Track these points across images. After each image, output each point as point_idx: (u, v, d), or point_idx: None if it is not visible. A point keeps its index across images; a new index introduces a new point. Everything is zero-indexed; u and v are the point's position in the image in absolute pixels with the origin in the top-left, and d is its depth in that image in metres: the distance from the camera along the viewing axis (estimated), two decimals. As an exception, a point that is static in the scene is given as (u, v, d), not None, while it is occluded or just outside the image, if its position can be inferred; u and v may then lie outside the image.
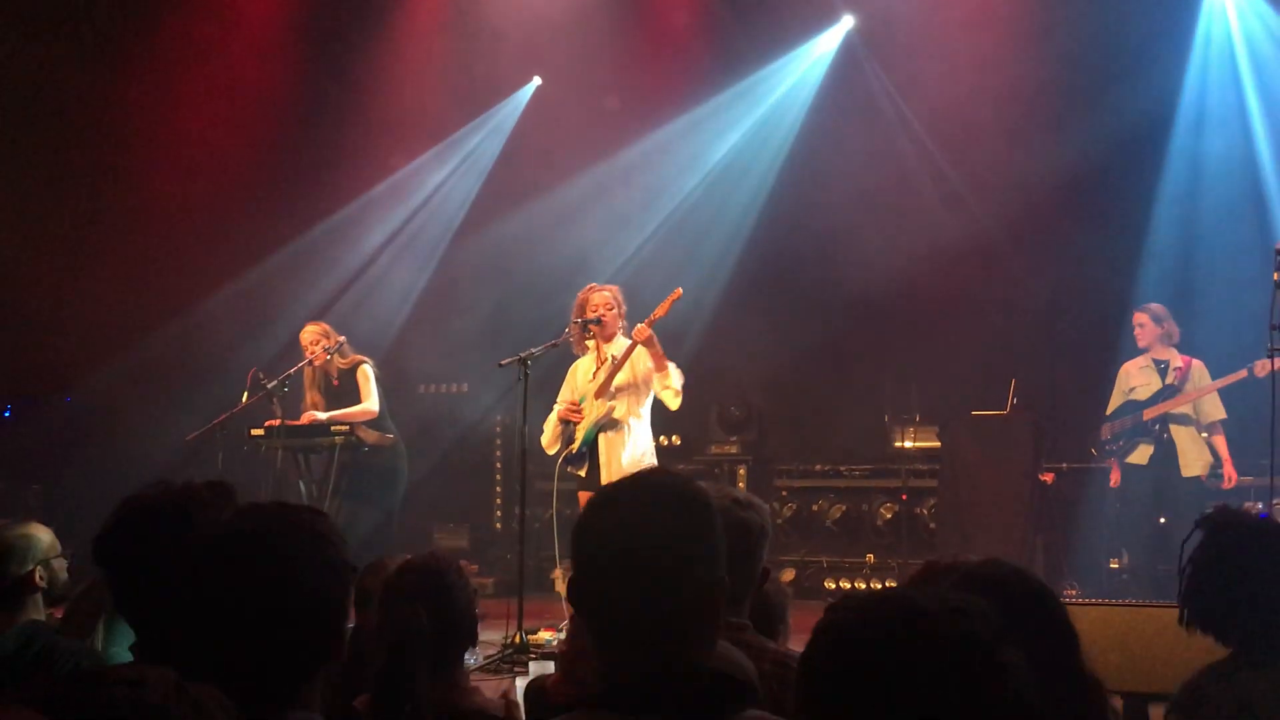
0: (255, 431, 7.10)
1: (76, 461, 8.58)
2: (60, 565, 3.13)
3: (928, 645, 1.21)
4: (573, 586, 1.61)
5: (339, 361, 7.23)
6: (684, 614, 1.57)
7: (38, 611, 3.09)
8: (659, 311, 6.01)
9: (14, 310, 9.19)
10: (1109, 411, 7.41)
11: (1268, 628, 2.33)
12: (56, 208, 9.33)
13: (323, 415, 7.15)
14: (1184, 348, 7.28)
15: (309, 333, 7.26)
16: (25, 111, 9.20)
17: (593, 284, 6.39)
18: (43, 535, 3.15)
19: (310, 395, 7.29)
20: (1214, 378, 7.11)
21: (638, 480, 1.68)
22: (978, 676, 1.21)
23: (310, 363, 7.22)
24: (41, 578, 3.08)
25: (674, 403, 6.08)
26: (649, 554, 1.56)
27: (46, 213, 9.29)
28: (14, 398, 9.59)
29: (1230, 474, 7.03)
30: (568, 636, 2.84)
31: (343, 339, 7.29)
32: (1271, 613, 2.34)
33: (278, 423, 7.05)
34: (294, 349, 8.33)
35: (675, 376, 6.02)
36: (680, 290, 6.13)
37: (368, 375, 7.20)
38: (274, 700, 1.66)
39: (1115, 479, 7.30)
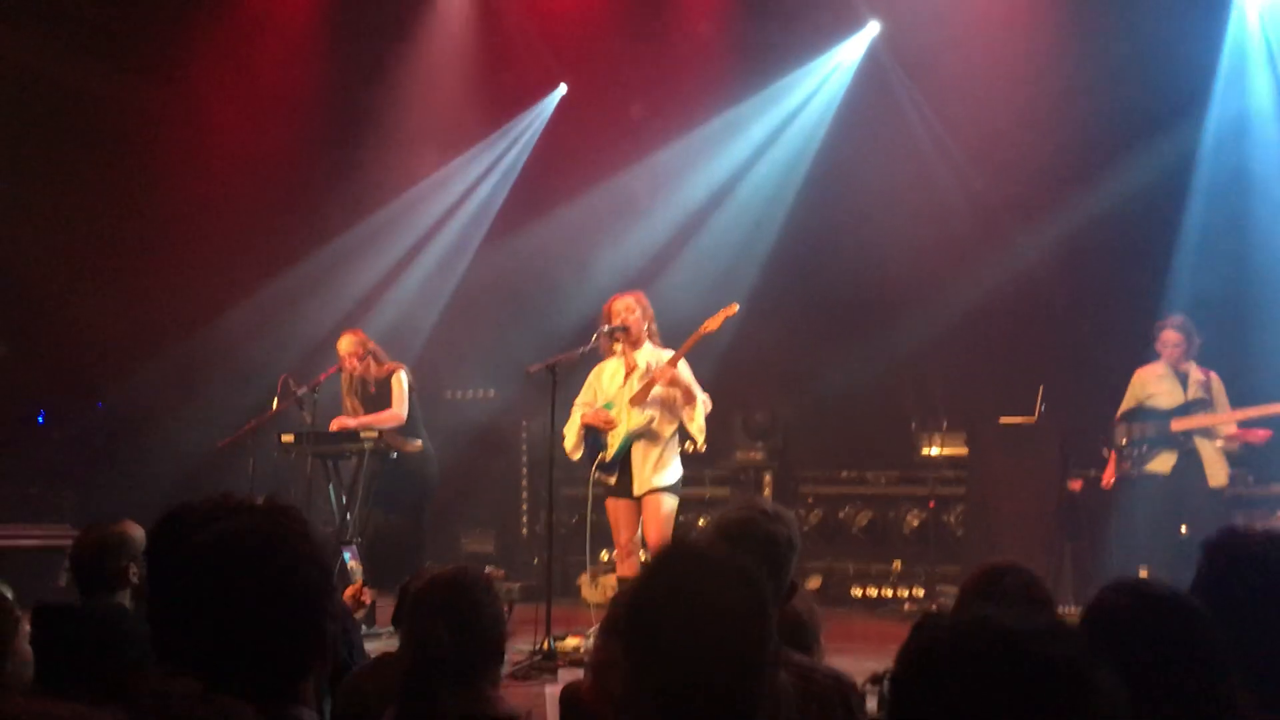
0: (286, 438, 7.15)
1: (109, 466, 8.67)
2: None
3: (1021, 668, 1.22)
4: (629, 668, 1.62)
5: (375, 369, 7.30)
6: (756, 690, 1.60)
7: (126, 602, 3.27)
8: (710, 325, 5.97)
9: (46, 316, 9.30)
10: (1122, 419, 7.40)
11: (1272, 663, 2.11)
12: (88, 215, 9.42)
13: (352, 421, 7.21)
14: (1204, 359, 7.27)
15: (346, 342, 7.33)
16: (58, 121, 9.30)
17: (617, 294, 6.37)
18: (136, 533, 3.33)
19: (349, 401, 7.37)
20: (1235, 397, 7.10)
21: (679, 570, 1.67)
22: (1071, 698, 1.22)
23: (341, 369, 7.29)
24: (134, 573, 3.27)
25: (699, 437, 6.01)
26: (721, 647, 1.58)
27: (78, 220, 9.39)
28: (47, 403, 9.70)
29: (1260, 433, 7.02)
30: (596, 645, 2.86)
31: (374, 348, 7.36)
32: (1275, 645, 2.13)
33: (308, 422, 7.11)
34: (323, 355, 8.40)
35: (700, 411, 5.96)
36: (736, 306, 6.08)
37: (401, 382, 7.26)
38: (277, 697, 1.70)
39: (1108, 480, 7.28)
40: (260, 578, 1.71)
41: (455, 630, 2.58)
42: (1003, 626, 1.27)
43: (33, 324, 9.28)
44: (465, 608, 2.65)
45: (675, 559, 1.70)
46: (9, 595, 2.99)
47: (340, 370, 7.34)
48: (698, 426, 5.96)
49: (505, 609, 2.89)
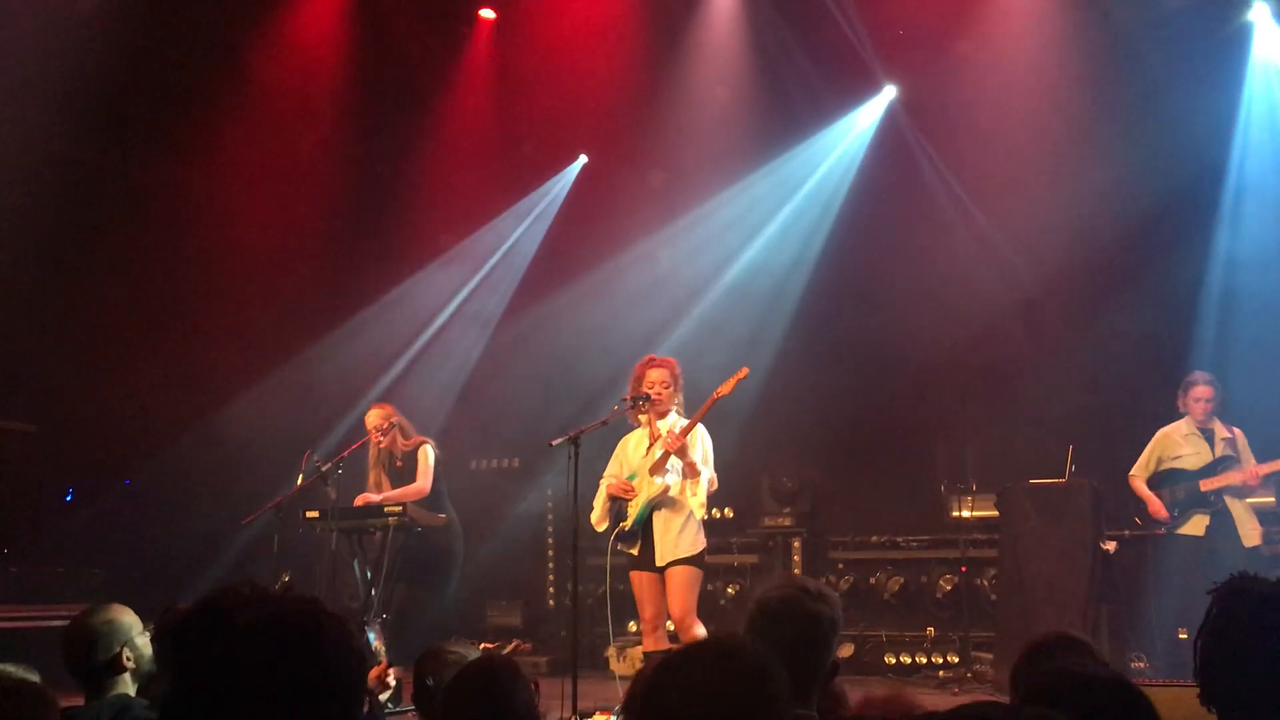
0: (310, 514, 7.14)
1: (136, 544, 8.68)
2: (144, 642, 3.25)
3: None
4: None
5: (402, 443, 7.32)
6: None
7: (127, 688, 3.20)
8: (723, 389, 5.94)
9: (75, 395, 9.37)
10: (1139, 473, 7.31)
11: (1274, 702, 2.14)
12: (115, 295, 9.53)
13: (375, 496, 7.20)
14: (1227, 417, 7.20)
15: (374, 415, 7.38)
16: (85, 202, 9.44)
17: (652, 356, 6.31)
18: (125, 617, 3.27)
19: (374, 474, 7.38)
20: (1260, 452, 7.02)
21: (703, 659, 1.68)
22: None
23: (367, 442, 7.31)
24: (129, 658, 3.20)
25: (699, 513, 5.96)
26: None
27: (105, 299, 9.49)
28: (75, 481, 9.75)
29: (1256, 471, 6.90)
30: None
31: (400, 421, 7.38)
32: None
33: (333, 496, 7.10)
34: (348, 430, 8.42)
35: (704, 487, 5.92)
36: (746, 370, 6.04)
37: (428, 455, 7.28)
38: None
39: (1157, 511, 7.18)
40: (301, 665, 1.71)
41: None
42: (992, 716, 1.26)
43: (61, 403, 9.35)
44: (498, 695, 2.61)
45: (694, 653, 1.68)
46: (38, 681, 2.96)
47: (367, 444, 7.35)
48: (698, 502, 5.89)
49: (533, 688, 2.85)
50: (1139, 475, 7.38)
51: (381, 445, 7.31)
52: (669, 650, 1.72)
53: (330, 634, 1.76)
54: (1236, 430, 7.16)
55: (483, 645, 8.07)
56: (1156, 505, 7.25)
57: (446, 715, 2.61)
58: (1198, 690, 2.27)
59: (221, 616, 2.13)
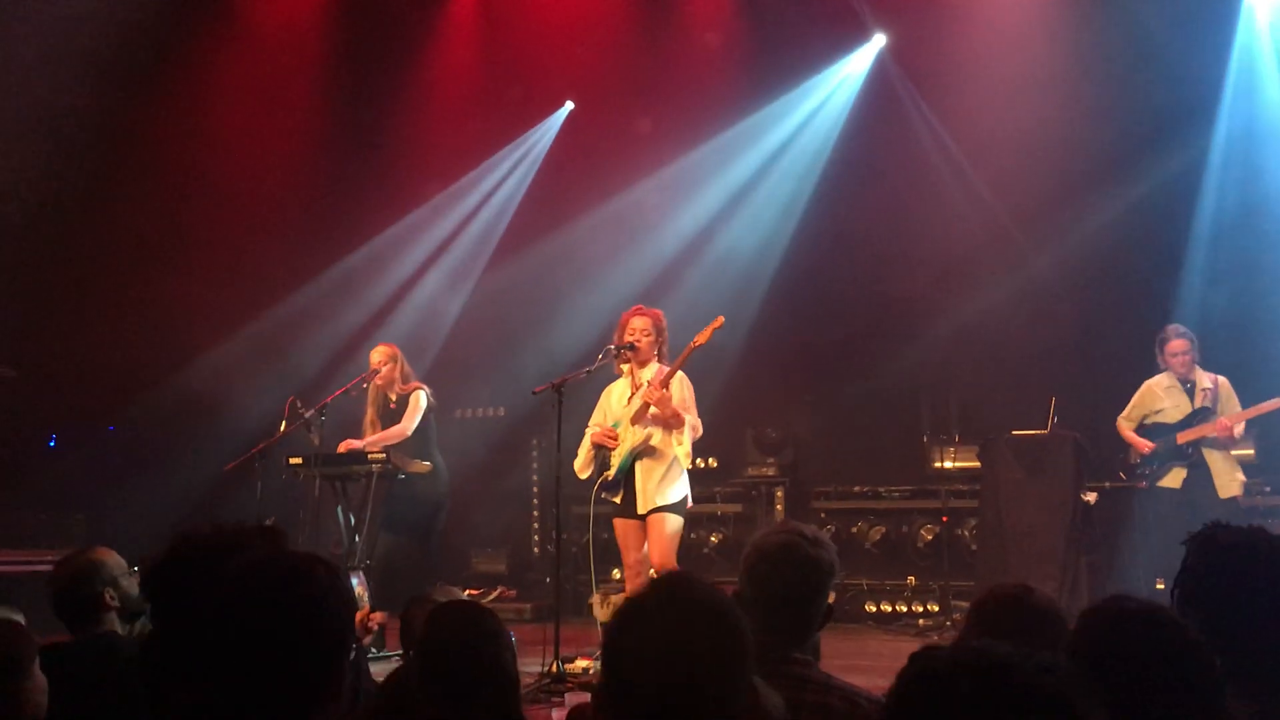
0: (293, 460, 7.13)
1: (119, 490, 8.68)
2: (130, 583, 3.29)
3: (1014, 701, 1.23)
4: (604, 700, 1.64)
5: (399, 385, 7.32)
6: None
7: (115, 627, 3.27)
8: (699, 339, 5.94)
9: (57, 341, 9.33)
10: (1125, 419, 7.35)
11: (1254, 653, 2.16)
12: (97, 239, 9.45)
13: (358, 443, 7.20)
14: (1208, 364, 7.22)
15: (379, 352, 7.39)
16: (66, 148, 9.33)
17: (639, 306, 6.31)
18: (107, 559, 3.33)
19: (370, 411, 7.38)
20: (1248, 402, 7.03)
21: (667, 597, 1.69)
22: None
23: (351, 389, 7.30)
24: (113, 597, 3.25)
25: (684, 461, 5.98)
26: (685, 676, 1.59)
27: (87, 244, 9.42)
28: (58, 427, 9.72)
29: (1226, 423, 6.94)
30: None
31: (402, 362, 7.38)
32: (1257, 636, 2.17)
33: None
34: (330, 376, 8.39)
35: (688, 434, 5.93)
36: (722, 319, 6.04)
37: (418, 401, 7.27)
38: None
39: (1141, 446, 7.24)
40: (290, 609, 1.72)
41: (473, 662, 2.55)
42: (995, 658, 1.27)
43: (44, 348, 9.30)
44: (480, 643, 2.61)
45: (662, 589, 1.70)
46: (20, 620, 2.98)
47: (348, 391, 7.33)
48: (684, 451, 5.91)
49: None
50: (1124, 421, 7.41)
51: (379, 383, 7.31)
52: (628, 595, 1.73)
53: (320, 579, 1.77)
54: (1221, 379, 7.16)
55: (468, 591, 8.11)
56: (1140, 442, 7.27)
57: (423, 661, 2.61)
58: None
59: (193, 561, 2.14)
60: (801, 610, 2.62)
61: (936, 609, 8.53)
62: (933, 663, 1.30)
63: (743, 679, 1.63)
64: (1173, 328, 7.24)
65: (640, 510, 5.90)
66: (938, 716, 1.26)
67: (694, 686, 1.58)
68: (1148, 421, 7.32)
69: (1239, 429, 7.01)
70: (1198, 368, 7.20)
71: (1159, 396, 7.27)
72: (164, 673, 2.14)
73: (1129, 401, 7.44)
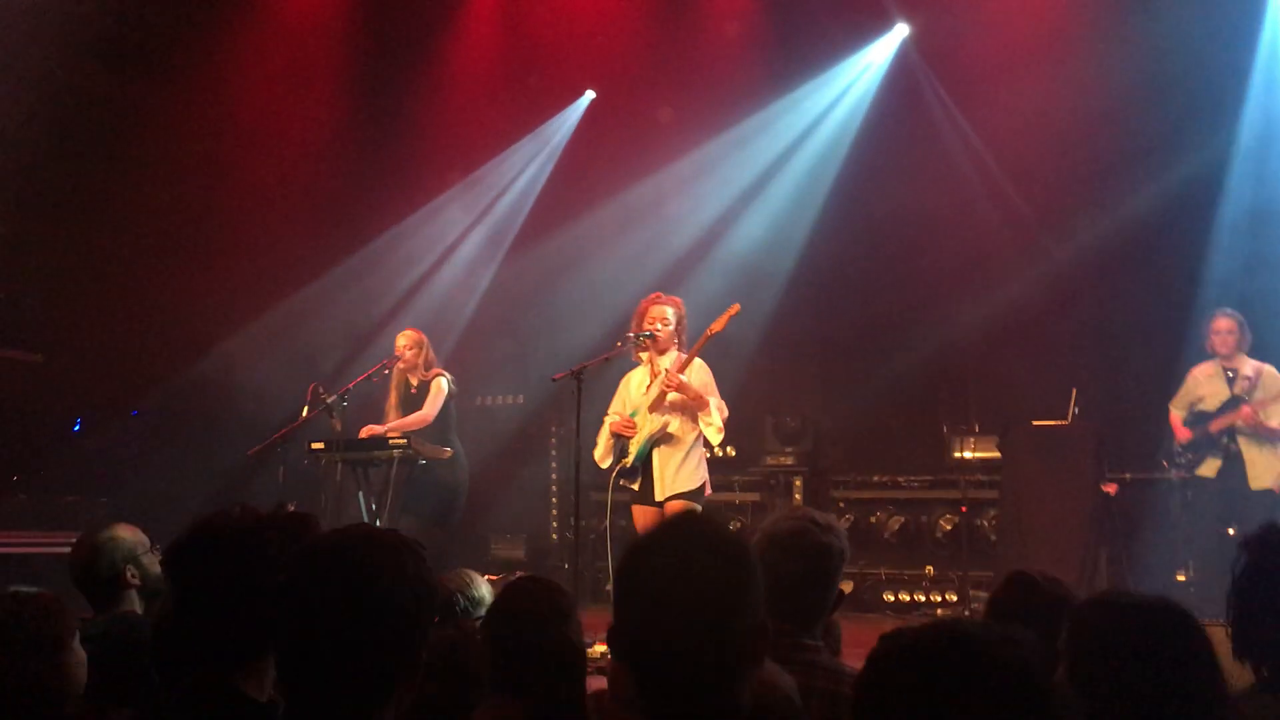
0: (315, 445, 7.19)
1: (143, 474, 8.75)
2: (151, 561, 3.27)
3: (977, 674, 1.23)
4: (614, 635, 1.63)
5: (423, 370, 7.38)
6: (725, 660, 1.59)
7: (134, 605, 3.24)
8: (715, 326, 5.96)
9: (82, 325, 9.40)
10: (1175, 408, 7.29)
11: None
12: (123, 224, 9.51)
13: (380, 428, 7.25)
14: (1255, 354, 7.15)
15: (405, 336, 7.46)
16: (94, 133, 9.40)
17: (658, 294, 6.32)
18: (127, 535, 3.30)
19: (392, 395, 7.44)
20: None
21: (676, 529, 1.70)
22: (1025, 706, 1.23)
23: (373, 375, 7.35)
24: (133, 575, 3.23)
25: (715, 438, 6.01)
26: (691, 605, 1.58)
27: (112, 228, 9.48)
28: (83, 411, 9.80)
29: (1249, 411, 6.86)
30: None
31: (427, 349, 7.42)
32: None
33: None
34: (354, 362, 8.43)
35: (716, 414, 5.94)
36: (738, 305, 6.05)
37: (440, 388, 7.33)
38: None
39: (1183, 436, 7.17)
40: (363, 591, 1.68)
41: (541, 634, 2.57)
42: (963, 631, 1.28)
43: (69, 334, 9.38)
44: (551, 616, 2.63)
45: (674, 523, 1.72)
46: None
47: (370, 378, 7.38)
48: (715, 428, 5.93)
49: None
50: (1173, 409, 7.35)
51: (401, 367, 7.36)
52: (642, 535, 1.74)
53: (402, 563, 1.73)
54: (1267, 368, 7.03)
55: (487, 577, 8.16)
56: (1179, 430, 7.22)
57: (492, 635, 2.61)
58: (1232, 647, 2.25)
59: (220, 541, 2.15)
60: (812, 596, 2.62)
61: (955, 599, 8.52)
62: (899, 639, 1.32)
63: (752, 616, 1.62)
64: (1223, 309, 7.17)
65: (658, 497, 5.93)
66: (902, 690, 1.26)
67: (703, 621, 1.58)
68: (1194, 409, 7.26)
69: (1275, 420, 6.90)
70: (1244, 355, 7.11)
71: (1201, 384, 7.20)
72: (180, 652, 2.14)
73: (1150, 392, 7.41)
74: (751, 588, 1.64)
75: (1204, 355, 7.21)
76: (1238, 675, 2.30)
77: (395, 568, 1.72)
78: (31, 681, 2.39)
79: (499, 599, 2.68)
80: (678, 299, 6.30)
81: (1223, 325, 7.05)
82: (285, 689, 1.72)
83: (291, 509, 2.36)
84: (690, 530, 1.67)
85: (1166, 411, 7.39)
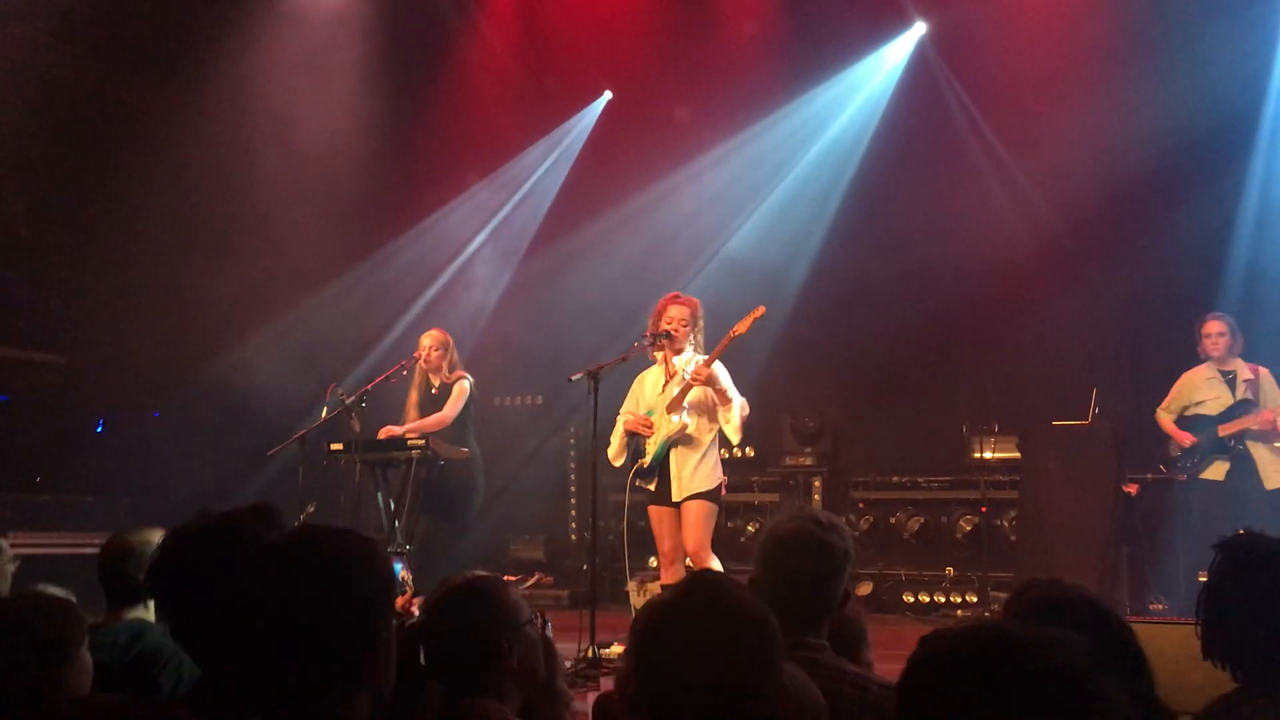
0: (334, 446, 7.21)
1: (164, 475, 8.81)
2: None
3: (1024, 676, 1.23)
4: (633, 697, 1.67)
5: (445, 371, 7.39)
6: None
7: (148, 613, 3.23)
8: (739, 328, 5.92)
9: (104, 327, 9.47)
10: (1165, 411, 7.25)
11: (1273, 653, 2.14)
12: (144, 226, 9.56)
13: (398, 429, 7.27)
14: (1253, 357, 7.12)
15: (429, 336, 7.47)
16: (117, 136, 9.45)
17: (676, 293, 6.30)
18: (156, 538, 3.25)
19: (413, 395, 7.46)
20: None
21: (696, 595, 1.72)
22: (1073, 707, 1.22)
23: (390, 377, 7.37)
24: None
25: (735, 437, 5.99)
26: (716, 674, 1.63)
27: (134, 231, 9.53)
28: (105, 413, 9.87)
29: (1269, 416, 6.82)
30: (624, 655, 2.81)
31: (452, 350, 7.44)
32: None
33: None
34: (373, 364, 8.45)
35: (736, 412, 5.93)
36: (763, 309, 6.01)
37: (462, 390, 7.34)
38: (328, 710, 1.70)
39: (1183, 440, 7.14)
40: (325, 583, 1.72)
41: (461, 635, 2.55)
42: (1007, 635, 1.27)
43: (91, 336, 9.45)
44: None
45: (695, 586, 1.74)
46: (72, 600, 3.00)
47: (388, 379, 7.40)
48: (734, 427, 5.91)
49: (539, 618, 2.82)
50: (1164, 413, 7.32)
51: (425, 367, 7.38)
52: (657, 595, 1.77)
53: (356, 555, 1.77)
54: (1262, 370, 7.05)
55: (506, 578, 8.17)
56: (1181, 435, 7.18)
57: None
58: (1201, 645, 2.26)
59: (187, 553, 2.16)
60: (814, 595, 2.60)
61: (975, 600, 8.49)
62: (940, 642, 1.31)
63: (775, 681, 1.65)
64: (1211, 312, 7.15)
65: (675, 498, 5.92)
66: (946, 694, 1.26)
67: (725, 688, 1.61)
68: (1188, 413, 7.22)
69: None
70: (1239, 359, 7.08)
71: (1199, 387, 7.16)
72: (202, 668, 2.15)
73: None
74: (774, 652, 1.67)
75: (1194, 359, 7.19)
76: (1203, 675, 2.30)
77: (342, 556, 1.75)
78: (29, 687, 2.38)
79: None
80: (694, 300, 6.27)
81: (1214, 328, 7.02)
82: (250, 677, 1.74)
83: (311, 510, 2.37)
84: (710, 597, 1.70)
85: (1156, 416, 7.36)
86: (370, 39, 10.10)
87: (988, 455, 8.77)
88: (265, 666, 1.71)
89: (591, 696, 4.82)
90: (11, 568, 3.50)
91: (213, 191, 9.71)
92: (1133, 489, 7.68)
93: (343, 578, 1.73)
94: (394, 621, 1.83)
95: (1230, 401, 7.03)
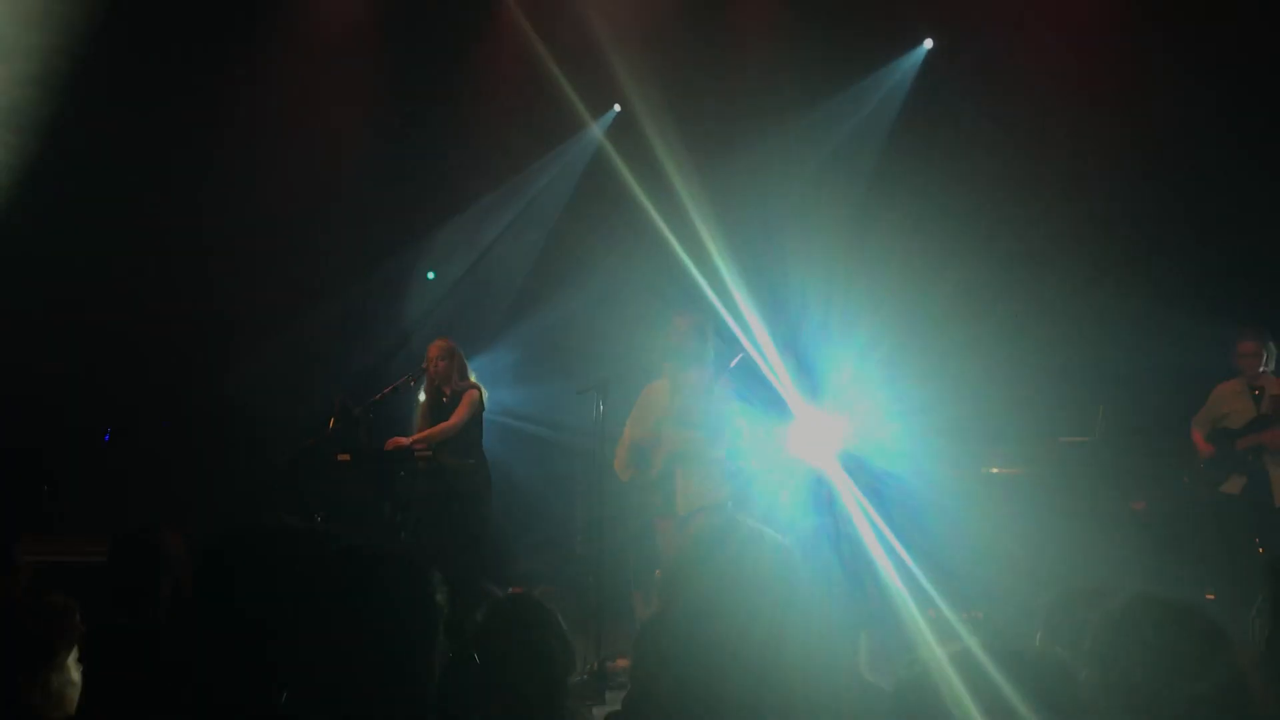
0: (342, 456, 7.22)
1: (170, 485, 8.82)
2: (186, 578, 3.27)
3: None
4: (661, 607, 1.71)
5: (456, 380, 7.40)
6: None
7: (155, 617, 3.24)
8: None
9: (114, 336, 9.49)
10: (1197, 423, 7.23)
11: None
12: (156, 232, 9.59)
13: (405, 440, 7.28)
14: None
15: (436, 346, 7.49)
16: (122, 139, 9.48)
17: (683, 309, 6.34)
18: (173, 547, 3.36)
19: (423, 404, 7.48)
20: None
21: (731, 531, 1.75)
22: None
23: (399, 387, 7.38)
24: (166, 587, 3.27)
25: (745, 455, 6.02)
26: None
27: (145, 237, 9.55)
28: (113, 421, 9.88)
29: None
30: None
31: (460, 358, 7.45)
32: None
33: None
34: (376, 375, 8.47)
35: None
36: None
37: (471, 400, 7.35)
38: None
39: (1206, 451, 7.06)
40: (367, 600, 1.71)
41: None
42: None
43: (100, 344, 9.46)
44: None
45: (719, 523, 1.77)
46: (73, 606, 3.00)
47: (397, 389, 7.42)
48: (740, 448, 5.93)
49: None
50: (1195, 425, 7.30)
51: (435, 374, 7.37)
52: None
53: (406, 578, 1.75)
54: None
55: (511, 589, 8.15)
56: (1204, 447, 7.16)
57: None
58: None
59: (243, 557, 2.16)
60: None
61: (981, 615, 8.44)
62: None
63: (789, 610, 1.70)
64: (1248, 328, 7.14)
65: (681, 510, 5.92)
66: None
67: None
68: (1217, 426, 7.20)
69: None
70: (1270, 375, 7.05)
71: (1227, 399, 7.16)
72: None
73: (1181, 408, 7.35)
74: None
75: (1229, 372, 7.16)
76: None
77: (401, 584, 1.75)
78: (13, 694, 2.36)
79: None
80: (704, 314, 6.31)
81: (1248, 348, 7.03)
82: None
83: (318, 520, 2.39)
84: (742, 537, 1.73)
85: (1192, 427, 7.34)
86: (381, 49, 10.14)
87: (994, 471, 8.73)
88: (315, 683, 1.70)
89: (598, 711, 4.83)
90: None
91: (218, 205, 9.74)
92: (1140, 506, 7.67)
93: (385, 598, 1.72)
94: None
95: (1253, 415, 7.00)
